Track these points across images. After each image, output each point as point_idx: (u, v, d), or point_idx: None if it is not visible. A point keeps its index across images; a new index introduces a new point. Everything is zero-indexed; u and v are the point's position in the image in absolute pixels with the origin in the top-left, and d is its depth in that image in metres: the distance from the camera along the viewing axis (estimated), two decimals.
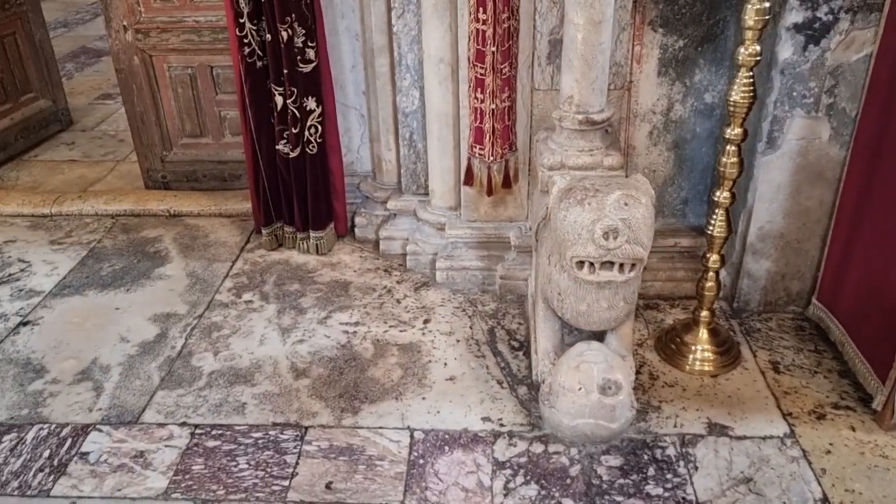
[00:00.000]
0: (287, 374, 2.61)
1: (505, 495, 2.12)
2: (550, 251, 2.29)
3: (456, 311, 2.93)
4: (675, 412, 2.40)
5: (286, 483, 2.17)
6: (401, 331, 2.82)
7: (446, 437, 2.32)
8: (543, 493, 2.12)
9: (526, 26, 2.64)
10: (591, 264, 2.12)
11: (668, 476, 2.17)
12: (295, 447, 2.30)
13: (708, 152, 2.85)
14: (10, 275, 3.25)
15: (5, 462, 2.27)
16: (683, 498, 2.10)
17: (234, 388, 2.55)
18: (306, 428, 2.37)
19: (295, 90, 3.01)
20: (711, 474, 2.17)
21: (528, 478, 2.17)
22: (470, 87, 2.68)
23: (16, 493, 2.17)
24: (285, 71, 2.98)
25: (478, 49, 2.58)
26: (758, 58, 2.19)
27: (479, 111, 2.68)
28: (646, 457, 2.23)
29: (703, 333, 2.60)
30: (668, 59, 2.70)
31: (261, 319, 2.90)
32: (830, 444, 2.26)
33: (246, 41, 2.98)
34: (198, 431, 2.37)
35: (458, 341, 2.75)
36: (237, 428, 2.38)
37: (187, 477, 2.20)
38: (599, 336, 2.44)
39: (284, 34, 2.90)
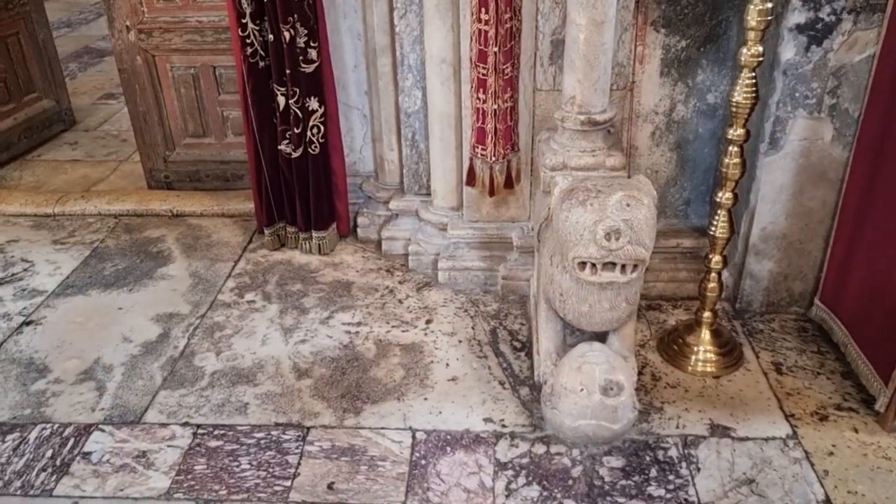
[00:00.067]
0: (289, 374, 2.61)
1: (507, 496, 2.12)
2: (552, 252, 2.29)
3: (458, 312, 2.93)
4: (677, 413, 2.39)
5: (288, 483, 2.18)
6: (403, 331, 2.82)
7: (448, 437, 2.32)
8: (545, 494, 2.12)
9: (528, 27, 2.64)
10: (593, 265, 2.12)
11: (670, 477, 2.16)
12: (297, 447, 2.30)
13: (710, 153, 2.85)
14: (13, 274, 3.25)
15: (8, 462, 2.27)
16: (685, 499, 2.09)
17: (236, 388, 2.55)
18: (308, 428, 2.37)
19: (297, 90, 3.02)
20: (713, 475, 2.17)
21: (530, 479, 2.17)
22: (472, 87, 2.68)
23: (19, 492, 2.17)
24: (288, 71, 2.98)
25: (480, 49, 2.57)
26: (760, 58, 2.19)
27: (481, 111, 2.68)
28: (648, 458, 2.23)
29: (706, 334, 2.60)
30: (670, 60, 2.70)
31: (263, 319, 2.91)
32: (833, 446, 2.25)
33: (248, 41, 2.98)
34: (200, 431, 2.37)
35: (460, 342, 2.75)
36: (239, 428, 2.38)
37: (189, 477, 2.20)
38: (601, 337, 2.43)
39: (287, 34, 2.90)
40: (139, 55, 3.62)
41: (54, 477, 2.22)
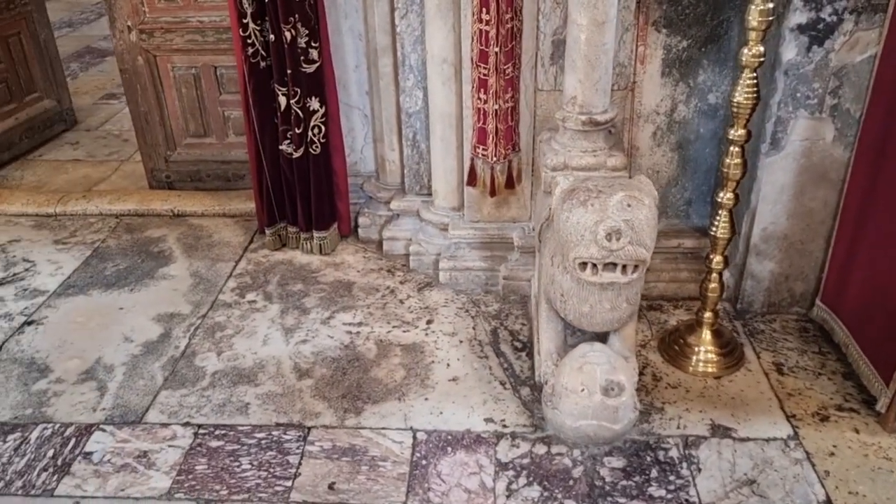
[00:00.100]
0: (290, 374, 2.62)
1: (507, 496, 2.12)
2: (553, 252, 2.29)
3: (459, 312, 2.93)
4: (678, 414, 2.39)
5: (289, 483, 2.18)
6: (404, 331, 2.82)
7: (449, 437, 2.32)
8: (546, 494, 2.12)
9: (529, 27, 2.64)
10: (594, 265, 2.12)
11: (671, 478, 2.16)
12: (298, 447, 2.30)
13: (711, 153, 2.85)
14: (14, 274, 3.26)
15: (9, 461, 2.28)
16: (686, 500, 2.09)
17: (237, 388, 2.55)
18: (309, 428, 2.37)
19: (298, 90, 3.02)
20: (714, 476, 2.16)
21: (531, 479, 2.17)
22: (473, 87, 2.68)
23: (20, 492, 2.17)
24: (289, 71, 2.98)
25: (481, 49, 2.57)
26: (761, 59, 2.19)
27: (482, 112, 2.68)
28: (649, 458, 2.23)
29: (707, 335, 2.60)
30: (671, 60, 2.70)
31: (264, 319, 2.91)
32: (834, 447, 2.25)
33: (249, 41, 2.98)
34: (201, 431, 2.37)
35: (461, 342, 2.75)
36: (240, 428, 2.38)
37: (190, 477, 2.21)
38: (602, 337, 2.43)
39: (288, 34, 2.90)
40: (140, 55, 3.62)
41: (55, 477, 2.22)
